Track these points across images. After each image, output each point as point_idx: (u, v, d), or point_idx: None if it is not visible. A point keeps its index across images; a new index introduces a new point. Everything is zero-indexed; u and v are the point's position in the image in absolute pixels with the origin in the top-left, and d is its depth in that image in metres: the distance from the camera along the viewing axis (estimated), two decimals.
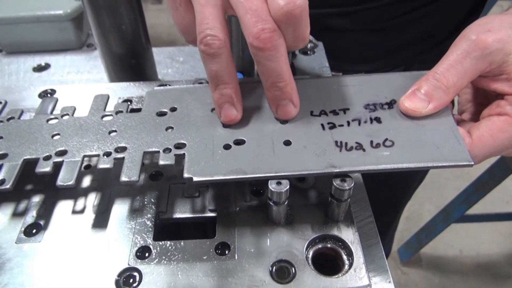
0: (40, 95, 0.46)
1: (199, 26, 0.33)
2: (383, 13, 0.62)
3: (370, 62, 0.68)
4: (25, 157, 0.35)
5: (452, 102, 0.37)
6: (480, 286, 1.52)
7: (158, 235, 0.35)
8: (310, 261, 0.32)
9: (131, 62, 0.50)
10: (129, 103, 0.42)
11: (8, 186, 0.33)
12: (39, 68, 0.59)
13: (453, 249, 1.62)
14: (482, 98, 0.39)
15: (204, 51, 0.33)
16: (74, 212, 0.36)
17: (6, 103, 0.43)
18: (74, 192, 0.38)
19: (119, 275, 0.32)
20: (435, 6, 0.61)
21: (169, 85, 0.44)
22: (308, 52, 0.60)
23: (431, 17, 0.63)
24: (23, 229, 0.35)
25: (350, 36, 0.65)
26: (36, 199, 0.37)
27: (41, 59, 0.60)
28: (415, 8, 0.61)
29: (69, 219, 0.36)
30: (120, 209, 0.37)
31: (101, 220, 0.36)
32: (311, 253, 0.33)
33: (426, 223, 1.49)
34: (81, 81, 0.57)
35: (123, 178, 0.33)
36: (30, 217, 0.36)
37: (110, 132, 0.37)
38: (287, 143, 0.35)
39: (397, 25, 0.63)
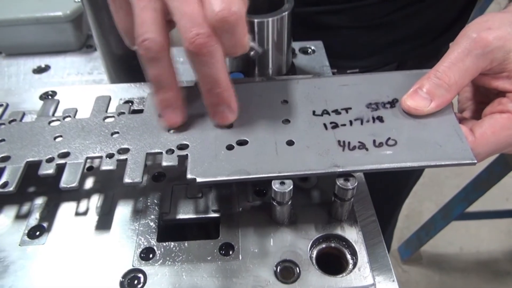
0: (41, 97, 0.46)
1: (137, 29, 0.32)
2: (376, 10, 0.62)
3: (364, 59, 0.68)
4: (27, 159, 0.35)
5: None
6: (481, 283, 1.53)
7: (162, 236, 0.35)
8: (314, 261, 0.32)
9: (131, 63, 0.50)
10: (130, 104, 0.42)
11: (11, 189, 0.33)
12: (39, 70, 0.59)
13: (453, 247, 1.63)
14: (482, 96, 0.40)
15: (143, 55, 0.32)
16: (77, 214, 0.36)
17: (7, 105, 0.43)
18: (76, 194, 0.38)
19: (124, 276, 0.32)
20: (428, 3, 0.62)
21: None
22: (308, 51, 0.60)
23: (424, 14, 0.63)
24: (26, 231, 0.35)
25: (343, 33, 0.65)
26: (39, 201, 0.37)
27: (40, 61, 0.60)
28: (408, 5, 0.61)
29: (72, 221, 0.36)
30: (123, 210, 0.36)
31: (104, 221, 0.36)
32: (315, 252, 0.33)
33: (426, 221, 1.49)
34: (81, 82, 0.57)
35: (127, 179, 0.33)
36: (34, 219, 0.36)
37: (112, 134, 0.37)
38: (290, 143, 0.35)
39: (390, 22, 0.63)
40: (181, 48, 0.63)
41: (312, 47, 0.60)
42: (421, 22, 0.64)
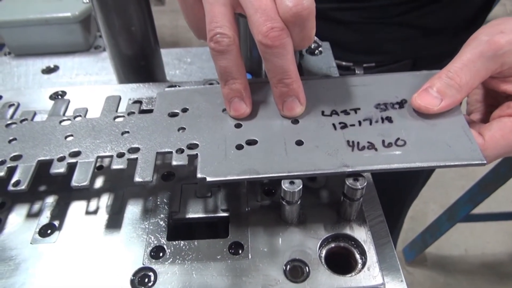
0: (51, 97, 0.47)
1: (209, 24, 0.34)
2: (393, 9, 0.62)
3: (380, 54, 0.68)
4: (39, 158, 0.35)
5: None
6: (486, 285, 1.52)
7: (171, 235, 0.35)
8: (323, 260, 0.32)
9: (140, 64, 0.51)
10: (139, 104, 0.42)
11: (23, 187, 0.33)
12: (48, 70, 0.59)
13: (458, 249, 1.62)
14: (492, 99, 0.40)
15: (214, 48, 0.34)
16: (87, 212, 0.37)
17: (18, 105, 0.43)
18: (87, 193, 0.38)
19: (134, 274, 0.32)
20: (442, 4, 0.62)
21: (179, 86, 0.44)
22: (315, 52, 0.60)
23: (439, 14, 0.63)
24: (37, 229, 0.35)
25: (359, 28, 0.65)
26: (50, 199, 0.38)
27: (49, 61, 0.61)
28: (421, 6, 0.61)
29: (83, 220, 0.36)
30: (133, 209, 0.37)
31: (114, 220, 0.36)
32: (324, 252, 0.33)
33: (431, 222, 1.48)
34: (90, 82, 0.57)
35: (137, 178, 0.33)
36: (45, 218, 0.36)
37: (122, 133, 0.37)
38: (299, 143, 0.35)
39: (407, 20, 0.63)
40: (188, 49, 0.64)
41: (319, 48, 0.60)
42: (436, 22, 0.64)
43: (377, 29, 0.65)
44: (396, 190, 0.87)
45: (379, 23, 0.64)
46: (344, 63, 0.68)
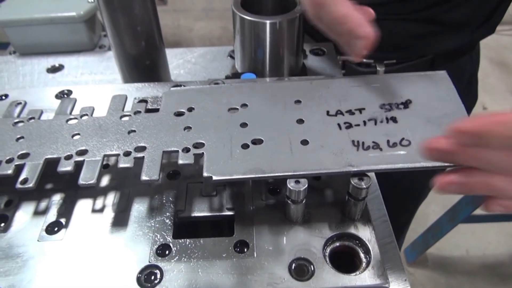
0: (57, 96, 0.47)
1: None
2: (413, 4, 0.62)
3: (398, 51, 0.67)
4: (46, 157, 0.36)
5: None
6: (487, 286, 1.52)
7: (177, 233, 0.35)
8: (328, 259, 0.33)
9: (145, 63, 0.51)
10: (145, 103, 0.43)
11: (31, 185, 0.34)
12: (53, 69, 0.60)
13: (459, 250, 1.62)
14: None
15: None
16: (94, 210, 0.37)
17: (25, 103, 0.44)
18: (93, 191, 0.38)
19: (141, 272, 0.32)
20: (456, 3, 0.62)
21: (184, 85, 0.45)
22: (319, 53, 0.60)
23: (462, 7, 0.63)
24: (44, 227, 0.36)
25: (379, 24, 0.65)
26: (57, 197, 0.38)
27: (54, 60, 0.61)
28: (434, 4, 0.61)
29: (89, 218, 0.36)
30: (139, 208, 0.37)
31: (121, 218, 0.36)
32: (328, 251, 0.33)
33: (433, 223, 1.48)
34: (95, 82, 0.58)
35: (144, 177, 0.33)
36: (52, 216, 0.36)
37: (129, 132, 0.37)
38: (305, 142, 0.35)
39: (426, 15, 0.63)
40: (192, 49, 0.64)
41: (323, 49, 0.60)
42: (456, 17, 0.64)
43: (396, 25, 0.64)
44: (406, 192, 0.86)
45: (398, 19, 0.64)
46: (364, 60, 0.67)
